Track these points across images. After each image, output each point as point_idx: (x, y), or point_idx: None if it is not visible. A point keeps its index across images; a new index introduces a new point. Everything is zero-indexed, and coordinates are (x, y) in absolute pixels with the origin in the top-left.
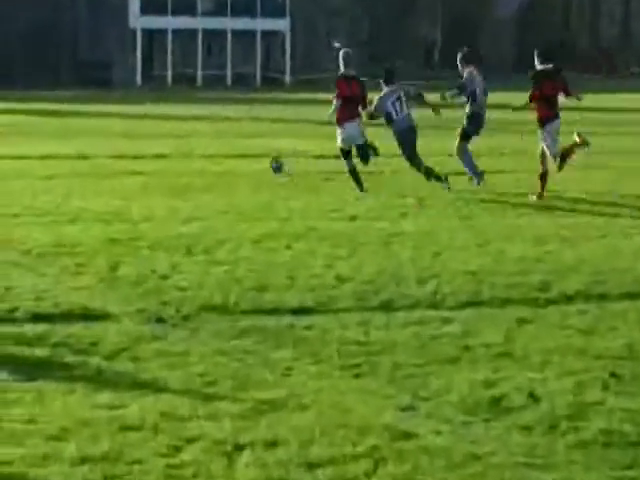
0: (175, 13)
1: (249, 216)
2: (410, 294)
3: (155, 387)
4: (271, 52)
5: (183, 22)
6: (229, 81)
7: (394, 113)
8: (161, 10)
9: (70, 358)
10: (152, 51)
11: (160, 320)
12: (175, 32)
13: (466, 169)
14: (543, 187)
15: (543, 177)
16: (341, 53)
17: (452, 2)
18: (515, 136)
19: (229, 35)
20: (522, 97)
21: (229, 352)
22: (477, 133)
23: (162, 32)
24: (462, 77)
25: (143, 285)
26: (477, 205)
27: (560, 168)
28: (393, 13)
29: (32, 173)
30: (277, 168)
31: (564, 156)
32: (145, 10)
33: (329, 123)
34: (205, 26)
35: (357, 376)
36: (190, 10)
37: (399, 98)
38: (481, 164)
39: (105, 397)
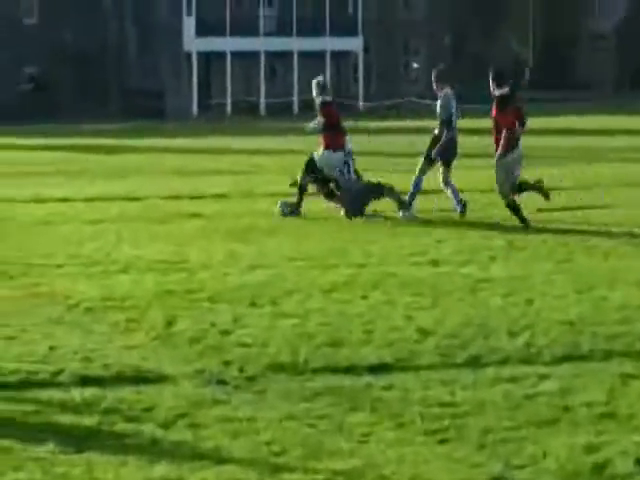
0: (234, 34)
1: (320, 262)
2: (500, 348)
3: (217, 458)
4: (342, 75)
5: (243, 43)
6: (295, 109)
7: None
8: (218, 31)
9: (122, 426)
10: (209, 77)
11: (222, 382)
12: (234, 55)
13: (451, 197)
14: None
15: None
16: (318, 81)
17: (545, 17)
18: (611, 165)
19: (295, 57)
20: (630, 121)
21: (299, 417)
22: (452, 160)
23: (220, 55)
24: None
25: (202, 342)
26: (574, 246)
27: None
28: (479, 29)
29: (78, 217)
30: (286, 210)
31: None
32: (201, 31)
33: (407, 155)
34: (268, 47)
35: (442, 442)
36: (251, 30)
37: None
38: (584, 197)
39: (161, 469)
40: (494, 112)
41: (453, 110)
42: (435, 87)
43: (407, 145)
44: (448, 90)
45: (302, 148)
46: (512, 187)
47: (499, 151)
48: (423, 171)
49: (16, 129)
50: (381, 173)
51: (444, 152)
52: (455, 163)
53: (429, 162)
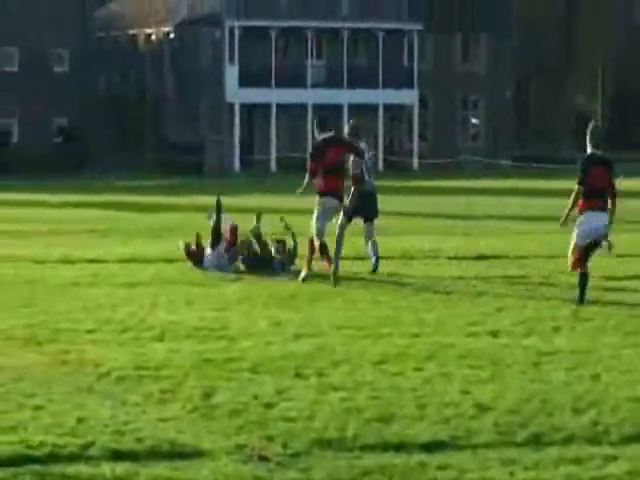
0: (280, 85)
1: (370, 332)
2: (564, 426)
3: None
4: (395, 130)
5: (290, 95)
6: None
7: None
8: (263, 81)
9: None
10: (252, 130)
11: (264, 458)
12: (280, 107)
13: (370, 253)
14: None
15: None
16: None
17: (616, 71)
18: None
19: (345, 110)
20: None
21: None
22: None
23: (264, 107)
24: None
25: (243, 415)
26: None
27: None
28: (544, 83)
29: (110, 279)
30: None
31: None
32: (244, 81)
33: (466, 217)
34: (316, 100)
35: None
36: (298, 81)
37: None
38: None
39: None
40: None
41: (363, 166)
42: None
43: (464, 206)
44: (362, 144)
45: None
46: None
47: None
48: (342, 227)
49: (46, 183)
50: (436, 236)
51: (357, 208)
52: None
53: (348, 219)
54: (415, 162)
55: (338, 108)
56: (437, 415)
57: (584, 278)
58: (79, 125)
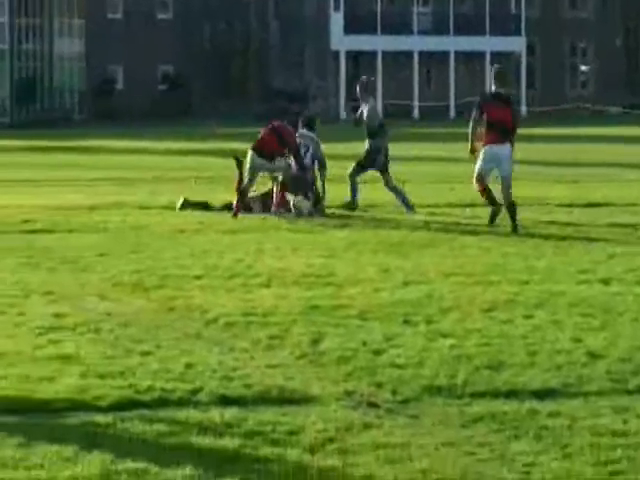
0: (386, 31)
1: (479, 279)
2: None
3: None
4: None
5: (396, 42)
6: (452, 114)
7: None
8: (369, 28)
9: (265, 450)
10: (358, 78)
11: (373, 405)
12: (386, 55)
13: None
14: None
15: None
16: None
17: None
18: None
19: (452, 58)
20: None
21: (458, 444)
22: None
23: (370, 55)
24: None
25: (351, 362)
26: None
27: None
28: None
29: (216, 226)
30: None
31: None
32: (350, 28)
33: (573, 165)
34: (422, 47)
35: (614, 474)
36: (404, 28)
37: None
38: None
39: None
40: None
41: (378, 120)
42: (360, 98)
43: (573, 153)
44: (372, 101)
45: (459, 156)
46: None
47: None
48: (352, 175)
49: (151, 131)
50: (544, 183)
51: (374, 162)
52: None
53: (360, 169)
54: (523, 110)
55: (444, 55)
56: (548, 362)
57: (512, 208)
58: (183, 72)
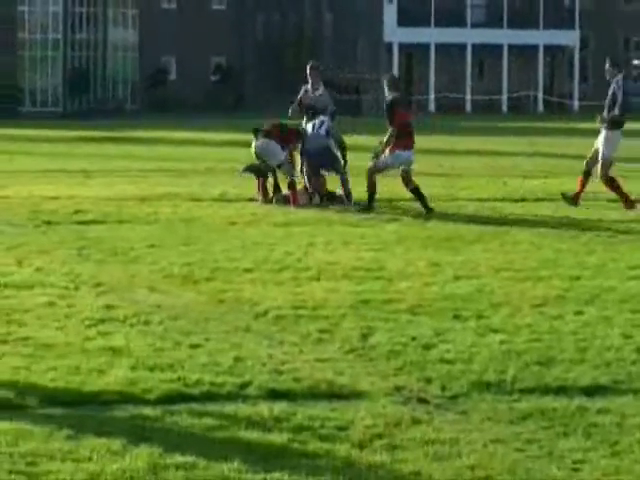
0: (439, 24)
1: (530, 274)
2: None
3: None
4: (556, 71)
5: (449, 35)
6: (504, 107)
7: None
8: (422, 20)
9: (314, 445)
10: (411, 70)
11: (422, 400)
12: (439, 47)
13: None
14: None
15: None
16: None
17: None
18: None
19: (505, 51)
20: None
21: (507, 440)
22: None
23: (423, 47)
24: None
25: (401, 357)
26: None
27: None
28: None
29: (267, 219)
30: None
31: None
32: (403, 20)
33: (627, 160)
34: (475, 40)
35: None
36: (457, 20)
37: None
38: None
39: None
40: None
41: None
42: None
43: (625, 149)
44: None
45: (509, 150)
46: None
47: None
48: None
49: (203, 122)
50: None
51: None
52: None
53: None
54: (575, 104)
55: (497, 48)
56: (598, 359)
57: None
58: (236, 64)
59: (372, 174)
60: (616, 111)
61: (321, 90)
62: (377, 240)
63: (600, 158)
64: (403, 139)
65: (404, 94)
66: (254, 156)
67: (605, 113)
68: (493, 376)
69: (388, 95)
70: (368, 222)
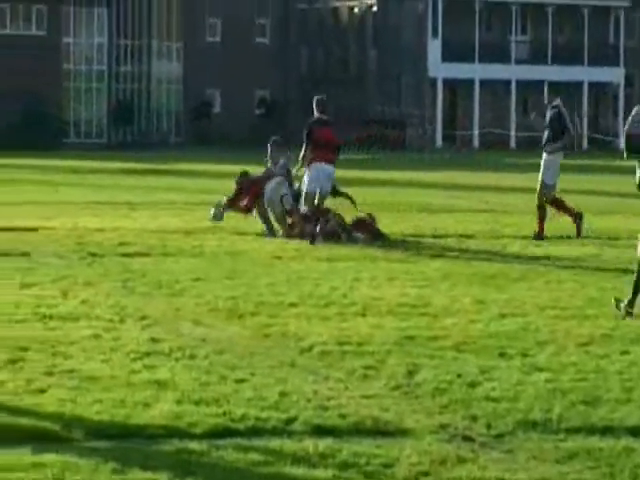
0: (484, 60)
1: (575, 313)
2: None
3: None
4: (600, 109)
5: (493, 71)
6: None
7: None
8: (467, 56)
9: None
10: (455, 106)
11: (467, 438)
12: (483, 83)
13: None
14: None
15: None
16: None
17: None
18: None
19: (548, 87)
20: None
21: None
22: None
23: (467, 83)
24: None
25: (446, 394)
26: None
27: None
28: None
29: (312, 254)
30: (218, 215)
31: None
32: (448, 56)
33: None
34: (520, 76)
35: None
36: (502, 56)
37: None
38: None
39: None
40: None
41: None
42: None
43: None
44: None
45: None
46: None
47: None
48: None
49: (248, 156)
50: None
51: None
52: None
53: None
54: (621, 141)
55: (541, 85)
56: None
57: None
58: (280, 98)
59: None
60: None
61: (281, 163)
62: (422, 276)
63: None
64: (322, 153)
65: (324, 116)
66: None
67: None
68: (539, 415)
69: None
70: (413, 258)
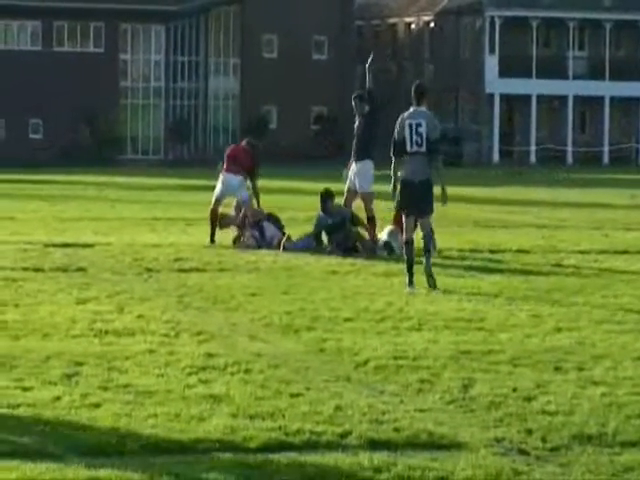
0: (541, 75)
1: (632, 327)
2: None
3: None
4: None
5: (550, 86)
6: (606, 159)
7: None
8: (524, 72)
9: None
10: (512, 121)
11: (523, 452)
12: (540, 98)
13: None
14: None
15: None
16: None
17: None
18: None
19: (607, 103)
20: None
21: None
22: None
23: (525, 99)
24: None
25: (502, 408)
26: None
27: None
28: None
29: (368, 269)
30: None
31: None
32: (505, 72)
33: None
34: (577, 92)
35: None
36: (559, 72)
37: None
38: None
39: None
40: None
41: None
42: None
43: None
44: None
45: (610, 202)
46: None
47: None
48: None
49: (304, 171)
50: None
51: None
52: None
53: None
54: None
55: (599, 100)
56: None
57: None
58: (337, 114)
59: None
60: None
61: None
62: (478, 291)
63: None
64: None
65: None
66: None
67: None
68: (594, 429)
69: None
70: (469, 273)
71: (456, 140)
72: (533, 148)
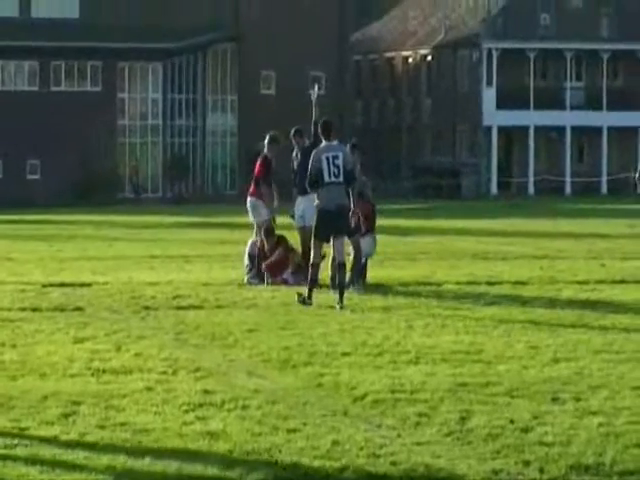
0: (538, 107)
1: (630, 356)
2: None
3: None
4: None
5: (548, 118)
6: (604, 189)
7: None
8: (521, 103)
9: None
10: (510, 153)
11: None
12: (538, 130)
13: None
14: None
15: None
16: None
17: None
18: None
19: (604, 133)
20: None
21: None
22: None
23: (522, 130)
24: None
25: (499, 440)
26: None
27: None
28: None
29: (365, 303)
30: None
31: None
32: (502, 104)
33: None
34: (575, 122)
35: None
36: (556, 103)
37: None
38: None
39: None
40: None
41: None
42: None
43: None
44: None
45: (609, 232)
46: None
47: None
48: None
49: None
50: None
51: None
52: None
53: None
54: None
55: (597, 131)
56: None
57: None
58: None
59: None
60: None
61: None
62: (476, 323)
63: None
64: None
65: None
66: None
67: None
68: (592, 459)
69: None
70: (466, 305)
71: (454, 173)
72: (531, 179)
